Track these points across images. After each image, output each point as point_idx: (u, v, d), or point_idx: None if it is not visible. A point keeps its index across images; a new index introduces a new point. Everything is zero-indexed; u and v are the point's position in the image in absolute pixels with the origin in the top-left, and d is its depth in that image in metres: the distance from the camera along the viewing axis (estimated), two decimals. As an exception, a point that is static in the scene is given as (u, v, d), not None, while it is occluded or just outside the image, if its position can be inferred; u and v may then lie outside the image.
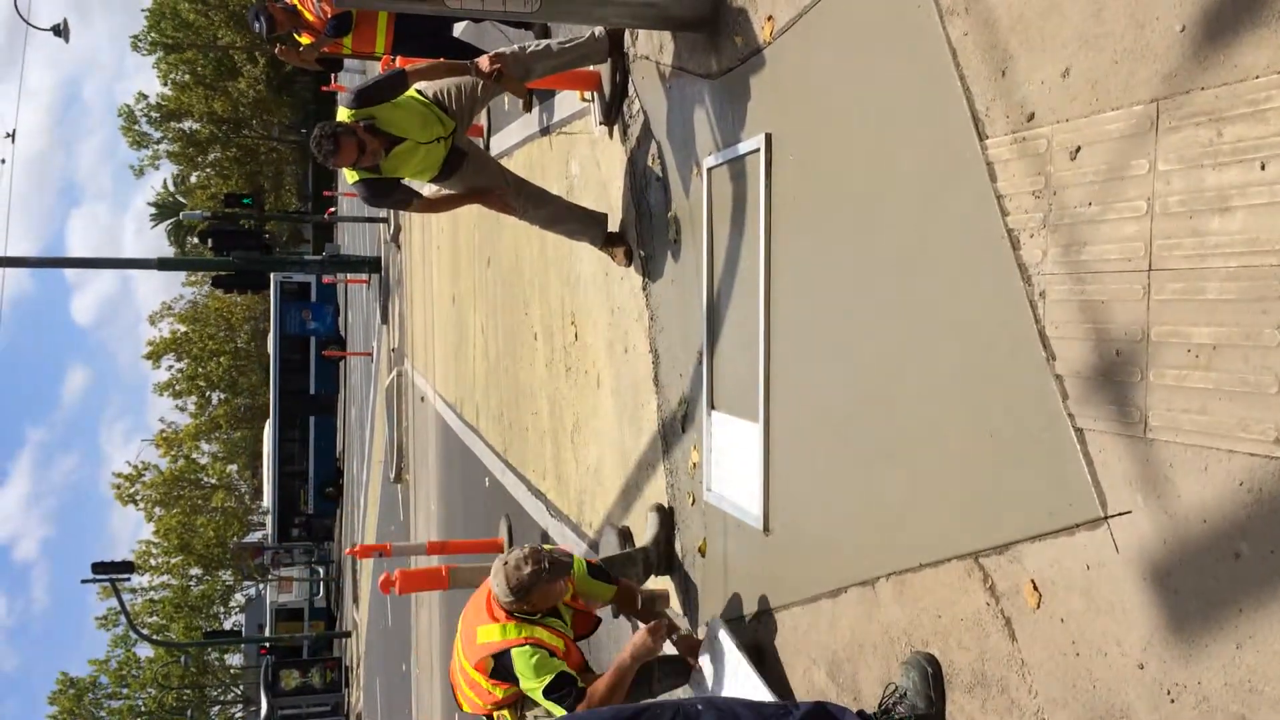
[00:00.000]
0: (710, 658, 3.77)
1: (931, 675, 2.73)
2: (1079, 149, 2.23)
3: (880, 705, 2.82)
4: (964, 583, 2.64)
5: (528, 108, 7.62)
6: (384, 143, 4.52)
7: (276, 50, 8.57)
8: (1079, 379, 2.25)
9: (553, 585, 3.68)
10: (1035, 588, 2.38)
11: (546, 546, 3.80)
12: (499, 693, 3.75)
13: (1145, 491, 2.09)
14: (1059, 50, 2.29)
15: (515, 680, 3.65)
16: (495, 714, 3.85)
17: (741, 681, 3.55)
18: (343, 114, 4.54)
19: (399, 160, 4.63)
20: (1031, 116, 2.38)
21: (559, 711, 3.60)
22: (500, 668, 3.67)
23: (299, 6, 6.60)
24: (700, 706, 2.94)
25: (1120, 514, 2.15)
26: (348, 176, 4.75)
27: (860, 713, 2.86)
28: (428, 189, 5.69)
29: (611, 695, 3.74)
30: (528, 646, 3.61)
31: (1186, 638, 1.99)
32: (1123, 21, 2.12)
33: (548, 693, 3.58)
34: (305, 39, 6.80)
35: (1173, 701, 2.01)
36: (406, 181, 4.92)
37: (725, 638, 3.66)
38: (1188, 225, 1.98)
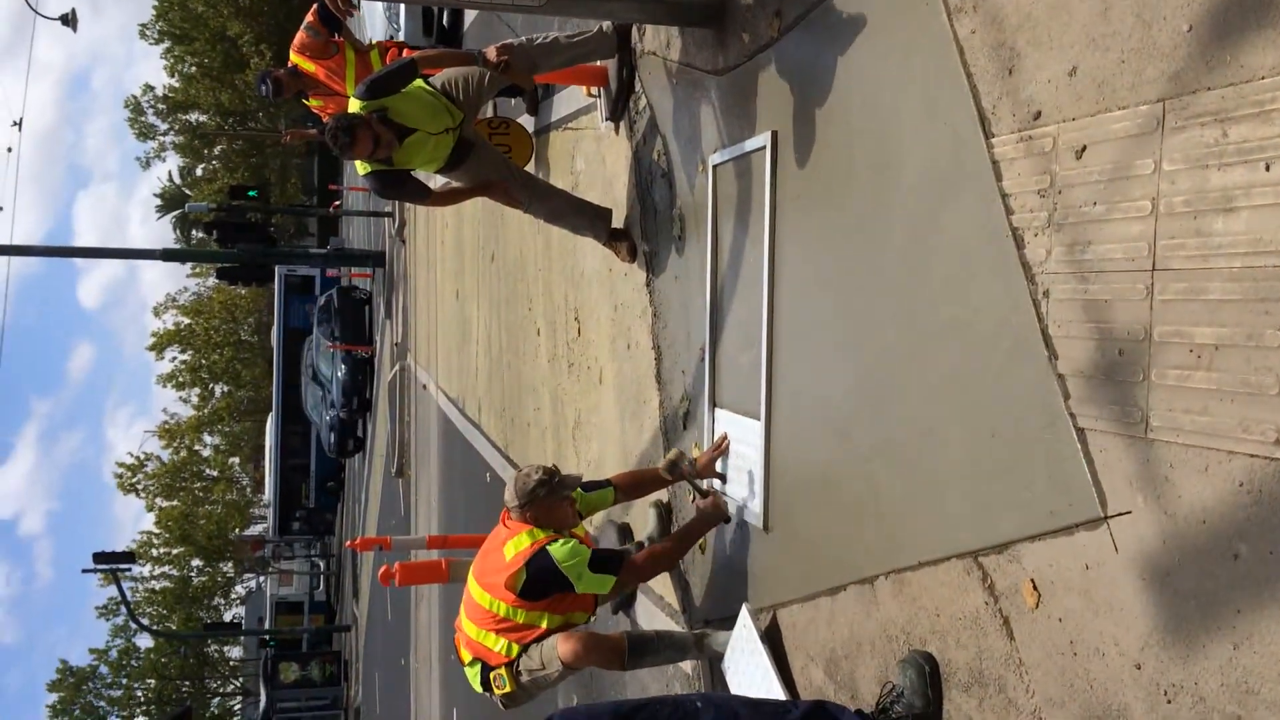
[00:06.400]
0: (736, 641, 3.77)
1: (929, 674, 2.73)
2: (1084, 148, 2.23)
3: (878, 704, 2.82)
4: (963, 581, 2.64)
5: (532, 110, 7.62)
6: (396, 134, 4.50)
7: (286, 136, 8.80)
8: (1081, 378, 2.25)
9: (558, 501, 3.89)
10: (1034, 587, 2.38)
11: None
12: (519, 616, 3.78)
13: (1146, 492, 2.09)
14: (1066, 49, 2.29)
15: (548, 589, 3.72)
16: (492, 675, 3.85)
17: (755, 669, 3.56)
18: (354, 105, 4.52)
19: (410, 152, 4.61)
20: (1038, 115, 2.38)
21: (607, 586, 3.78)
22: (531, 579, 3.71)
23: (299, 63, 6.63)
24: (699, 704, 2.94)
25: (1120, 514, 2.15)
26: (359, 169, 4.74)
27: (859, 712, 2.86)
28: (434, 181, 5.69)
29: (670, 557, 3.99)
30: (559, 539, 3.77)
31: (1184, 638, 1.99)
32: (1130, 21, 2.11)
33: (593, 566, 3.72)
34: (314, 101, 6.83)
35: (1169, 702, 2.01)
36: (415, 174, 4.91)
37: (750, 624, 3.66)
38: (1192, 225, 1.97)
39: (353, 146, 4.37)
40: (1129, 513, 2.13)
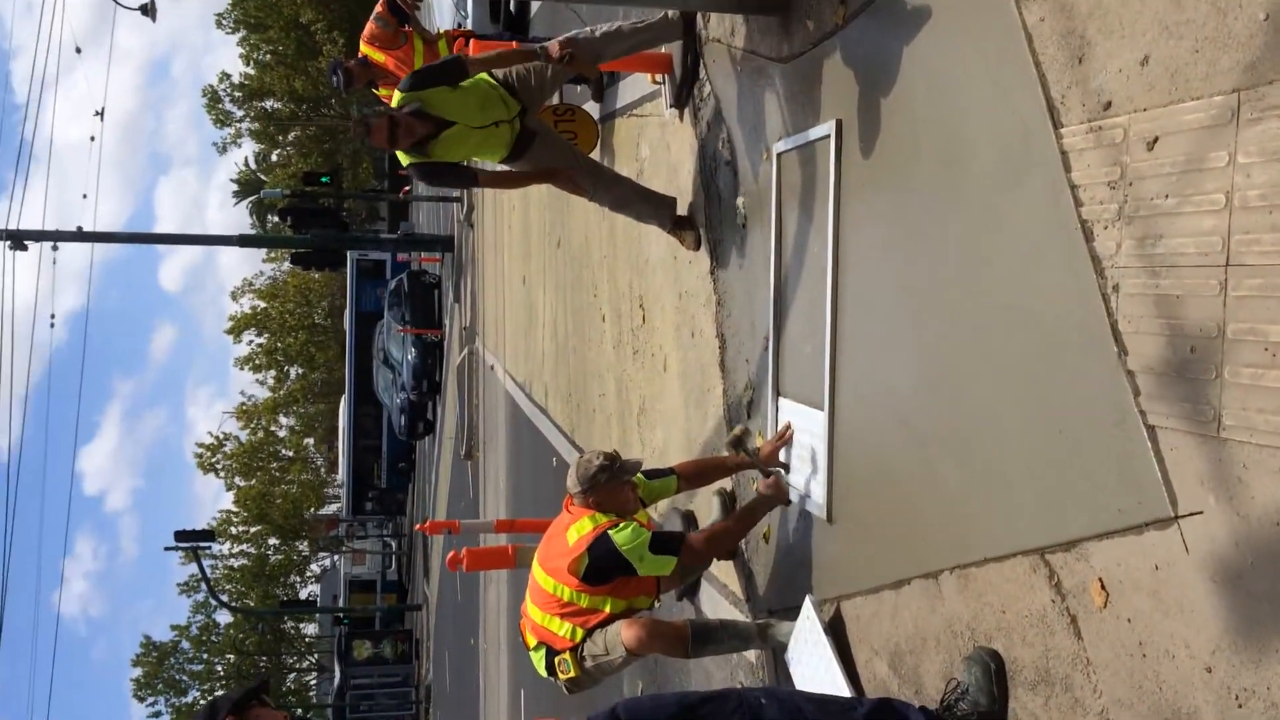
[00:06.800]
0: (799, 632, 3.77)
1: (994, 671, 2.70)
2: (1156, 139, 2.18)
3: (942, 700, 2.80)
4: (1029, 579, 2.61)
5: (597, 96, 7.64)
6: (431, 126, 4.59)
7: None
8: (1152, 375, 2.20)
9: (619, 486, 3.92)
10: (1102, 586, 2.35)
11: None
12: (583, 601, 3.82)
13: (1218, 492, 2.04)
14: (1138, 37, 2.23)
15: (610, 573, 3.75)
16: (557, 660, 3.90)
17: (819, 661, 3.56)
18: (395, 96, 4.67)
19: (450, 144, 4.70)
20: (1108, 105, 2.33)
21: (669, 567, 3.80)
22: (594, 564, 3.74)
23: (369, 54, 6.74)
24: (764, 700, 2.94)
25: (1191, 514, 2.11)
26: (401, 160, 4.85)
27: (924, 709, 2.85)
28: (500, 170, 5.74)
29: (730, 537, 4.04)
30: (620, 524, 3.80)
31: (1256, 642, 1.94)
32: (1204, 9, 2.05)
33: (654, 548, 3.75)
34: (384, 90, 6.94)
35: (1240, 706, 1.97)
36: (474, 162, 4.98)
37: (814, 616, 3.66)
38: (1268, 220, 1.92)
39: (369, 136, 4.56)
40: (1200, 513, 2.08)
